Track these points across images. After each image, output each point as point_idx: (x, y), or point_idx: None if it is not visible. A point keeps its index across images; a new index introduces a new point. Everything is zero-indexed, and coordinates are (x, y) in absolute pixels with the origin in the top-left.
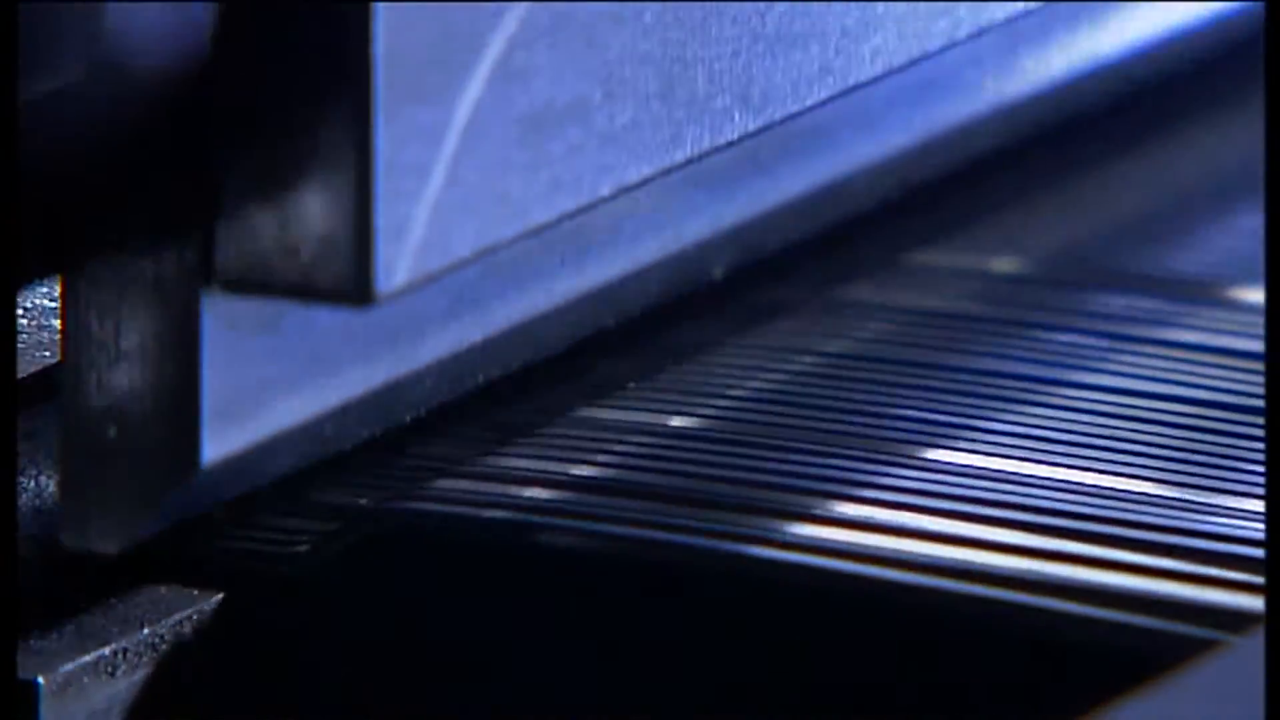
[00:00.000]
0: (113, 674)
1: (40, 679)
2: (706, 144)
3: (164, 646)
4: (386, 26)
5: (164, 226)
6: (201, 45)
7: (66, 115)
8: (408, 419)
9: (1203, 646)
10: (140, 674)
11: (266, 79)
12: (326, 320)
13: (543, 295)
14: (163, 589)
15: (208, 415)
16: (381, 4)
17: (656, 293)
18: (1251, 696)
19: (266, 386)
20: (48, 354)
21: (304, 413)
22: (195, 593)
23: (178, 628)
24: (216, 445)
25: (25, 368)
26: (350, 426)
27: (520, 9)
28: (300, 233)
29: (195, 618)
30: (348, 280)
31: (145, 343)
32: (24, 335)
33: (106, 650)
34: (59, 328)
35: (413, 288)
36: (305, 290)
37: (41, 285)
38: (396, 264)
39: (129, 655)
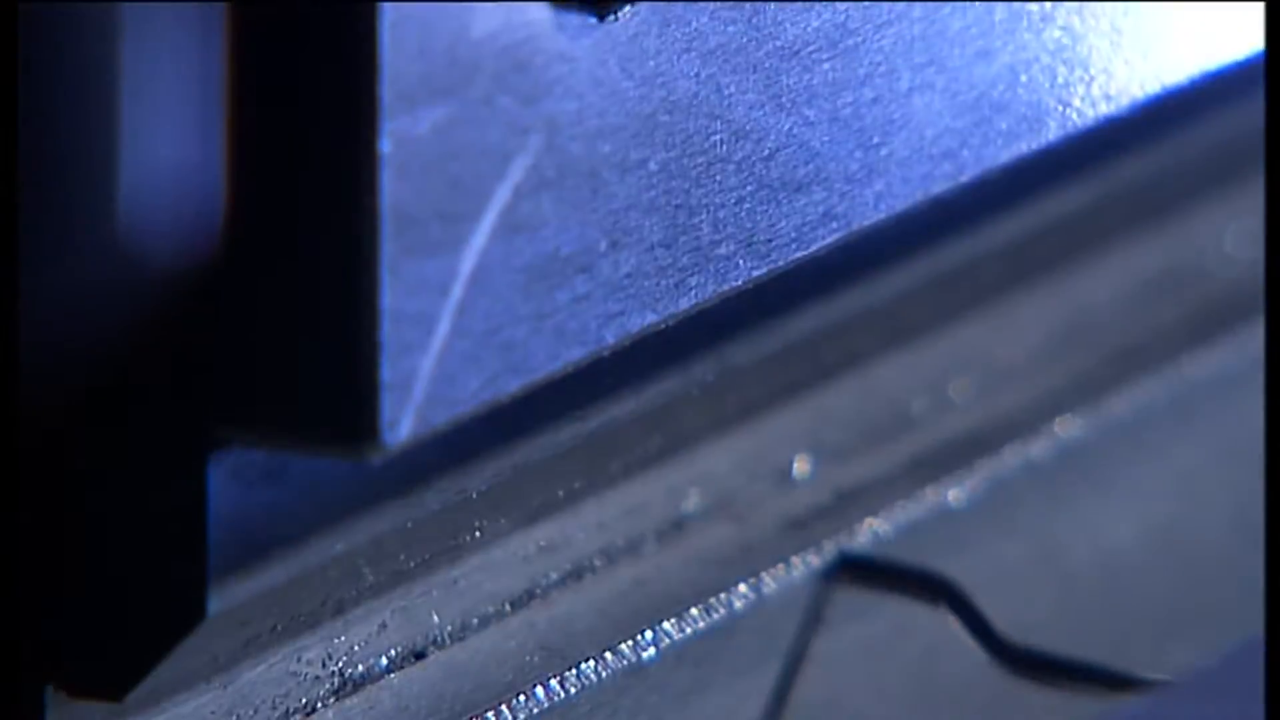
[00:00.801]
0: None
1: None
2: (711, 291)
3: None
4: (392, 179)
5: (168, 381)
6: (214, 233)
7: (76, 307)
8: (411, 565)
9: None
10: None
11: (274, 232)
12: (332, 469)
13: (548, 441)
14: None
15: (213, 567)
16: (388, 157)
17: None
18: (1251, 697)
19: (271, 537)
20: None
21: (308, 564)
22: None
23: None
24: (222, 599)
25: None
26: (356, 582)
27: (526, 158)
28: (306, 384)
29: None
30: (352, 433)
31: (150, 495)
32: None
33: None
34: None
35: (417, 440)
36: (310, 442)
37: None
38: (401, 416)
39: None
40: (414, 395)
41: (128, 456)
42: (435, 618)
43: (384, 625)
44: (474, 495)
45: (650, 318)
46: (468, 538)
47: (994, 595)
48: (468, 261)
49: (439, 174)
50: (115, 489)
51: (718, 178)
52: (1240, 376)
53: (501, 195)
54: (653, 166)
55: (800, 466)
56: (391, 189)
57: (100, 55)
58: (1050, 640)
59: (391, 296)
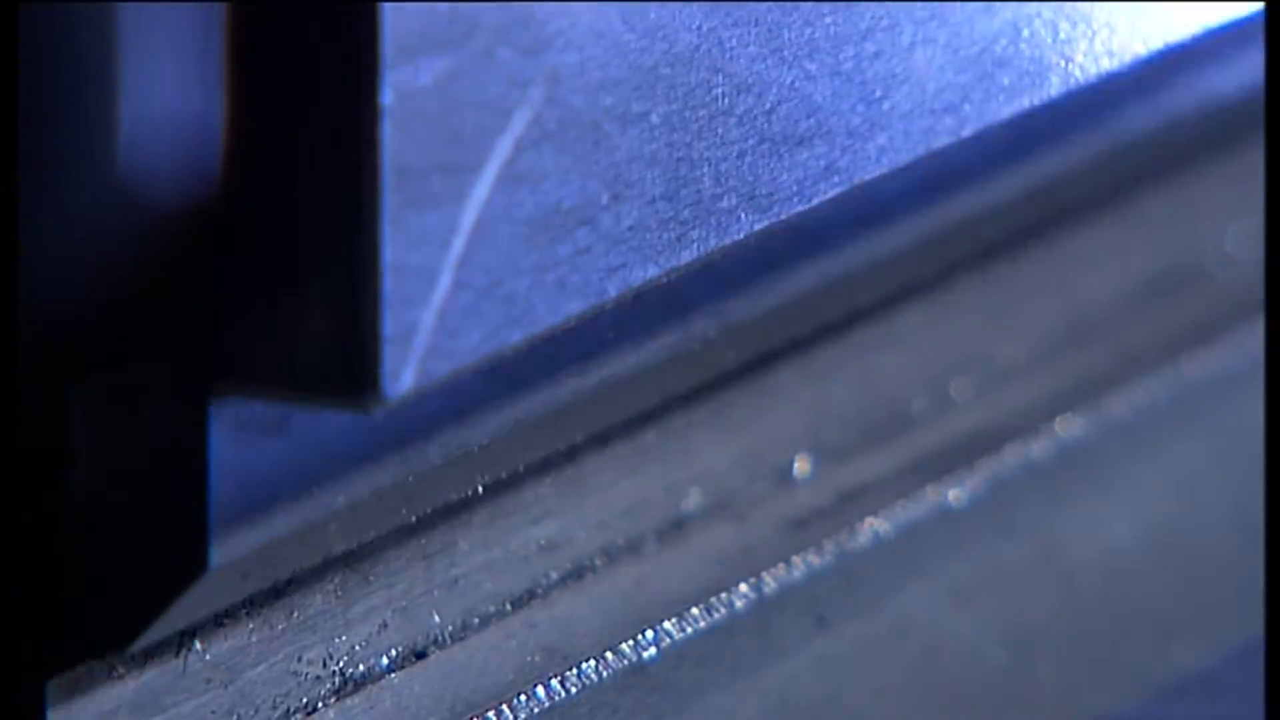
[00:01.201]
0: (119, 676)
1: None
2: (713, 244)
3: (170, 648)
4: (394, 132)
5: (173, 331)
6: (212, 173)
7: (78, 243)
8: (412, 520)
9: None
10: (146, 676)
11: (274, 184)
12: (334, 422)
13: (549, 395)
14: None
15: (215, 519)
16: (389, 109)
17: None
18: (1251, 697)
19: (273, 489)
20: None
21: (310, 515)
22: (201, 594)
23: (184, 629)
24: (223, 551)
25: None
26: (356, 530)
27: (527, 111)
28: (308, 337)
29: (202, 620)
30: (355, 385)
31: (154, 445)
32: None
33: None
34: None
35: (419, 392)
36: (312, 395)
37: None
38: (403, 369)
39: (135, 657)
40: (415, 348)
41: (128, 407)
42: (436, 617)
43: (384, 625)
44: (476, 449)
45: (652, 270)
46: (469, 493)
47: (994, 595)
48: (469, 214)
49: (440, 126)
50: (116, 440)
51: (719, 131)
52: (1240, 376)
53: (503, 148)
54: (654, 119)
55: (800, 466)
56: (392, 141)
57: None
58: (1051, 641)
59: (393, 249)
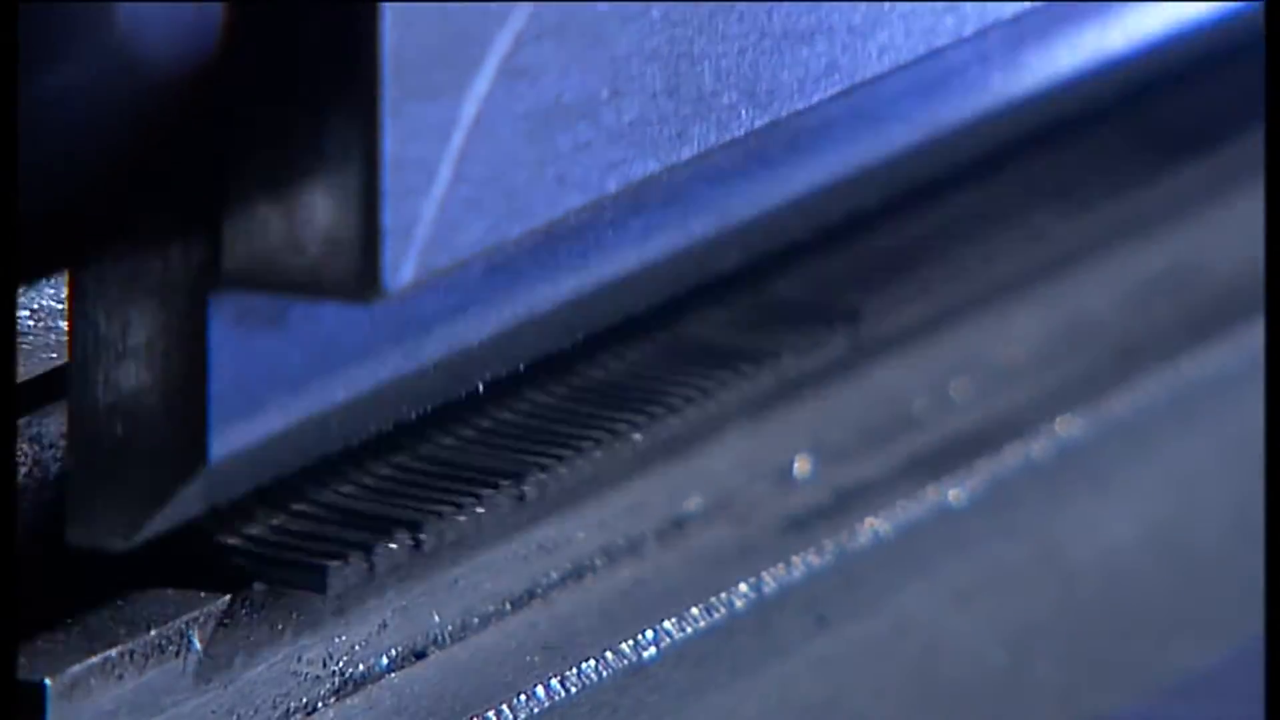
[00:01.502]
0: (119, 676)
1: (48, 680)
2: (713, 140)
3: (170, 648)
4: (393, 24)
5: (172, 223)
6: (211, 44)
7: (75, 112)
8: (413, 415)
9: None
10: (147, 676)
11: (274, 77)
12: (333, 316)
13: (549, 292)
14: (169, 590)
15: (215, 411)
16: (388, 3)
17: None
18: (1251, 697)
19: (273, 382)
20: (54, 355)
21: (310, 410)
22: (202, 594)
23: (184, 629)
24: (224, 442)
25: (32, 369)
26: (357, 423)
27: (527, 6)
28: (307, 229)
29: (202, 619)
30: (354, 277)
31: (153, 339)
32: (31, 337)
33: (113, 652)
34: (66, 329)
35: (419, 284)
36: (312, 286)
37: (48, 286)
38: (403, 261)
39: (135, 657)
40: (415, 240)
41: (127, 300)
42: (435, 617)
43: (384, 625)
44: (476, 345)
45: (652, 166)
46: (468, 390)
47: (994, 595)
48: (469, 108)
49: (440, 19)
50: (115, 327)
51: (720, 27)
52: (1240, 376)
53: (503, 41)
54: (655, 14)
55: (800, 466)
56: (392, 33)
57: None
58: (1051, 641)
59: (393, 141)
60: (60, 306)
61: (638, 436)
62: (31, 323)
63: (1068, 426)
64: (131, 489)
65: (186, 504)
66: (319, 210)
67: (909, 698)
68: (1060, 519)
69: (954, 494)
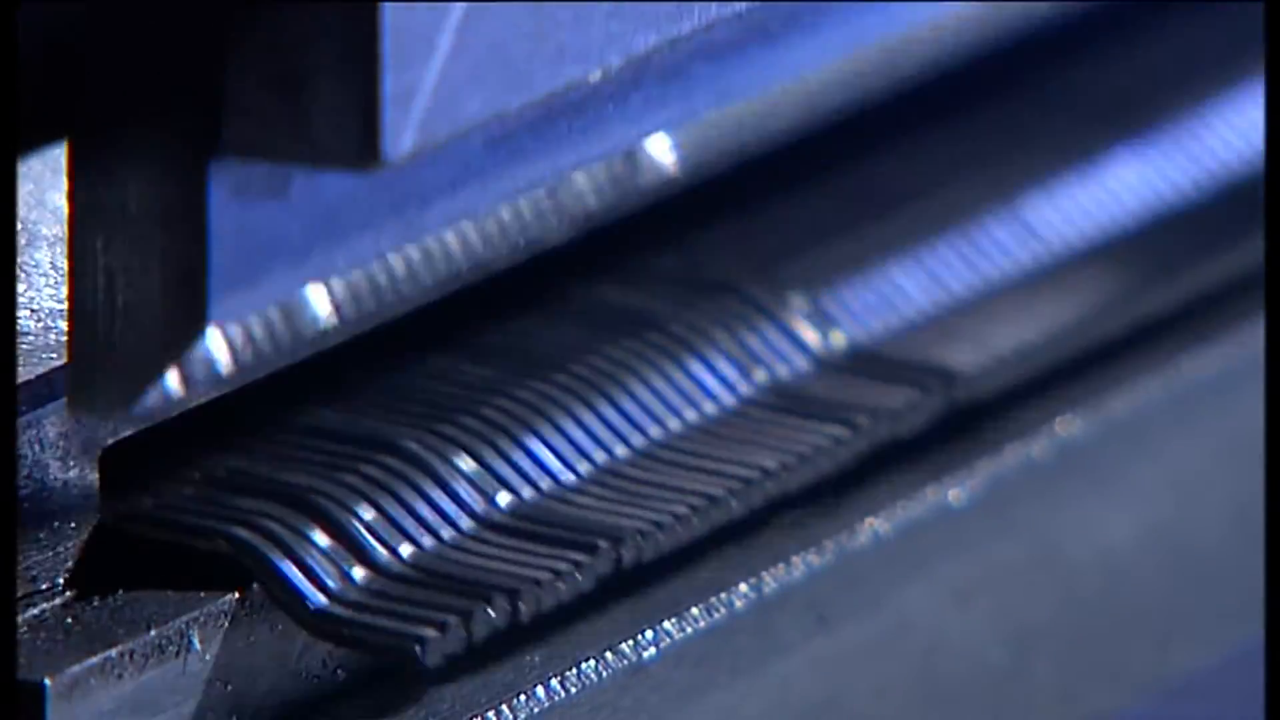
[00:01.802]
0: (119, 676)
1: (47, 680)
2: (713, 15)
3: (170, 648)
4: None
5: (170, 92)
6: None
7: None
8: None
9: None
10: (146, 676)
11: None
12: (334, 187)
13: (548, 166)
14: (169, 590)
15: (215, 281)
16: None
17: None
18: (1251, 698)
19: (273, 253)
20: (55, 356)
21: (311, 280)
22: (202, 594)
23: (184, 629)
24: (224, 311)
25: (32, 369)
26: (356, 299)
27: None
28: (308, 98)
29: (202, 619)
30: (355, 145)
31: (151, 209)
32: (31, 337)
33: (113, 652)
34: (66, 329)
35: (419, 154)
36: (312, 156)
37: (47, 286)
38: (403, 130)
39: (135, 657)
40: (416, 109)
41: (127, 169)
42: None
43: None
44: (476, 219)
45: (652, 38)
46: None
47: (994, 595)
48: None
49: None
50: (114, 196)
51: None
52: (1240, 376)
53: None
54: None
55: None
56: None
57: None
58: (1051, 641)
59: (393, 10)
60: (60, 307)
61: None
62: (32, 324)
63: (1068, 426)
64: (131, 360)
65: (185, 374)
66: (320, 79)
67: (909, 698)
68: (1060, 519)
69: (954, 494)
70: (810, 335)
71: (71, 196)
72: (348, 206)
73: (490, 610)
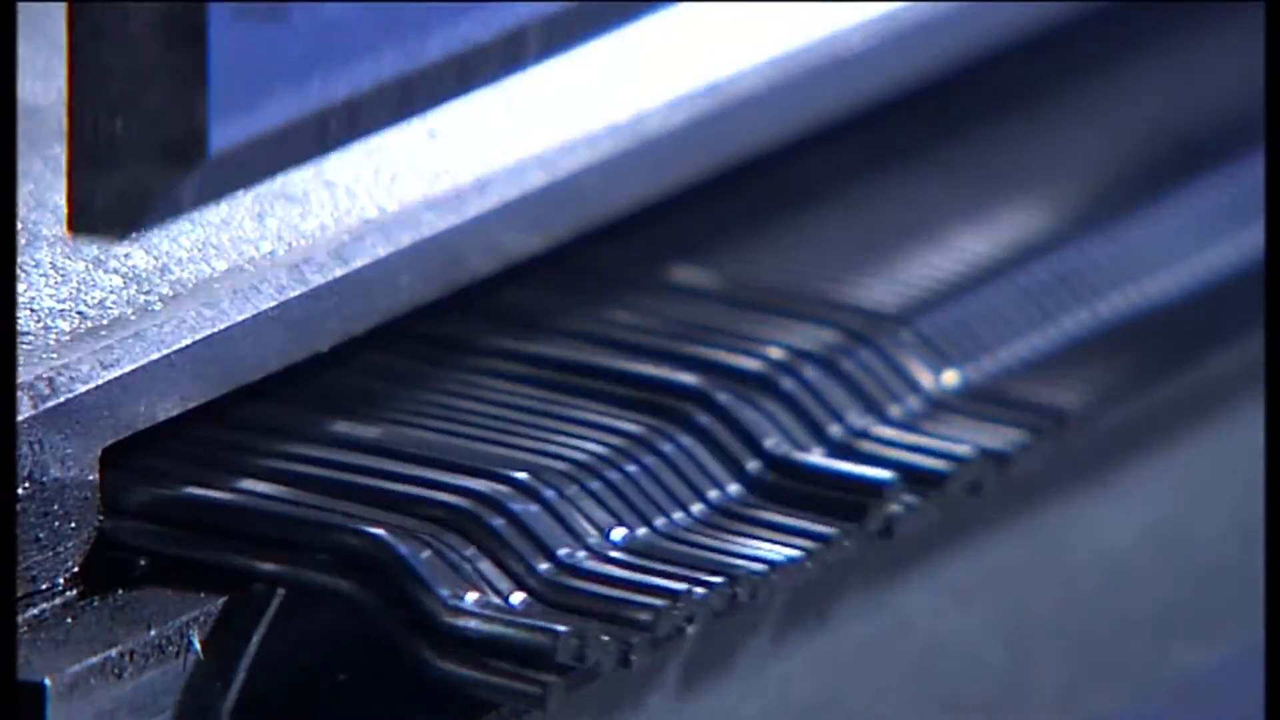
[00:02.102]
0: (119, 675)
1: (47, 680)
2: None
3: (170, 648)
4: None
5: None
6: None
7: None
8: (411, 121)
9: None
10: (146, 675)
11: None
12: (334, 10)
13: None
14: (169, 591)
15: (215, 103)
16: None
17: None
18: (1251, 698)
19: (273, 76)
20: (54, 356)
21: (311, 104)
22: (201, 594)
23: (184, 629)
24: (224, 133)
25: (32, 370)
26: (355, 123)
27: None
28: None
29: (201, 620)
30: None
31: (153, 30)
32: (31, 337)
33: (113, 652)
34: (64, 328)
35: None
36: None
37: (47, 286)
38: None
39: (135, 657)
40: None
41: None
42: None
43: None
44: (476, 43)
45: None
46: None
47: (994, 595)
48: None
49: None
50: (114, 17)
51: None
52: (1241, 378)
53: None
54: None
55: None
56: None
57: None
58: (1051, 640)
59: None
60: (60, 306)
61: None
62: (32, 323)
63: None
64: (132, 180)
65: (186, 197)
66: None
67: (909, 698)
68: (1060, 519)
69: (954, 494)
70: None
71: (71, 20)
72: (348, 31)
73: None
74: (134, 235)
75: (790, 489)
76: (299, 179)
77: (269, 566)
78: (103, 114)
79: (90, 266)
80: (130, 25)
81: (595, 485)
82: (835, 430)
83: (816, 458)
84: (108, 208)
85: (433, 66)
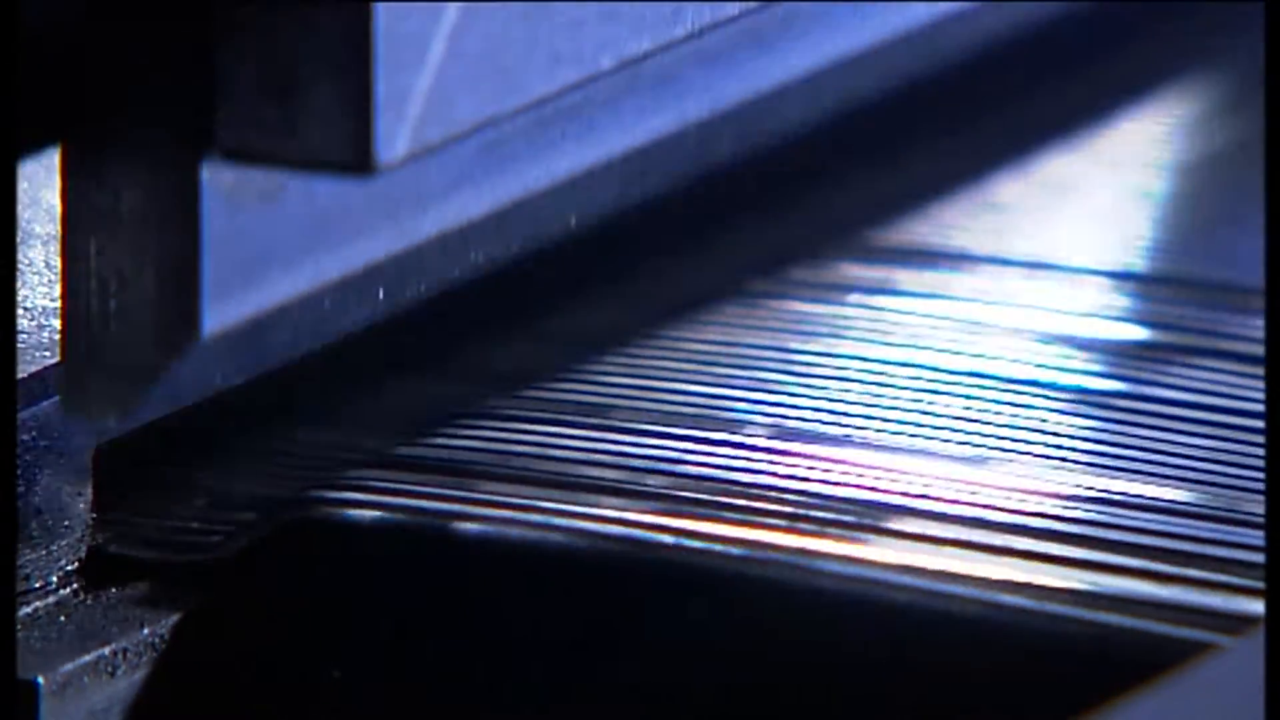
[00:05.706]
0: (112, 674)
1: (40, 678)
2: (708, 19)
3: (164, 646)
4: None
5: (164, 95)
6: None
7: None
8: (406, 295)
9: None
10: (140, 674)
11: None
12: (327, 192)
13: (543, 172)
14: (162, 589)
15: (208, 286)
16: None
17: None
18: (1252, 697)
19: (267, 258)
20: (48, 354)
21: (304, 286)
22: (195, 593)
23: (178, 628)
24: (217, 316)
25: (26, 368)
26: (350, 302)
27: None
28: (301, 102)
29: (196, 618)
30: (348, 150)
31: (145, 212)
32: (24, 335)
33: (106, 650)
34: (59, 328)
35: (413, 159)
36: (306, 160)
37: (43, 285)
38: (397, 134)
39: (129, 655)
40: (409, 114)
41: (121, 173)
42: None
43: None
44: (473, 222)
45: (645, 44)
46: (462, 267)
47: None
48: None
49: None
50: (106, 199)
51: None
52: (1239, 374)
53: None
54: None
55: None
56: None
57: None
58: None
59: (386, 15)
60: (54, 305)
61: None
62: (26, 322)
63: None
64: (124, 364)
65: (180, 383)
66: (312, 83)
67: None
68: None
69: None
70: None
71: (65, 199)
72: (341, 211)
73: None
74: (128, 416)
75: None
76: None
77: None
78: (95, 295)
79: None
80: (123, 206)
81: None
82: None
83: None
84: (101, 390)
85: (430, 243)
